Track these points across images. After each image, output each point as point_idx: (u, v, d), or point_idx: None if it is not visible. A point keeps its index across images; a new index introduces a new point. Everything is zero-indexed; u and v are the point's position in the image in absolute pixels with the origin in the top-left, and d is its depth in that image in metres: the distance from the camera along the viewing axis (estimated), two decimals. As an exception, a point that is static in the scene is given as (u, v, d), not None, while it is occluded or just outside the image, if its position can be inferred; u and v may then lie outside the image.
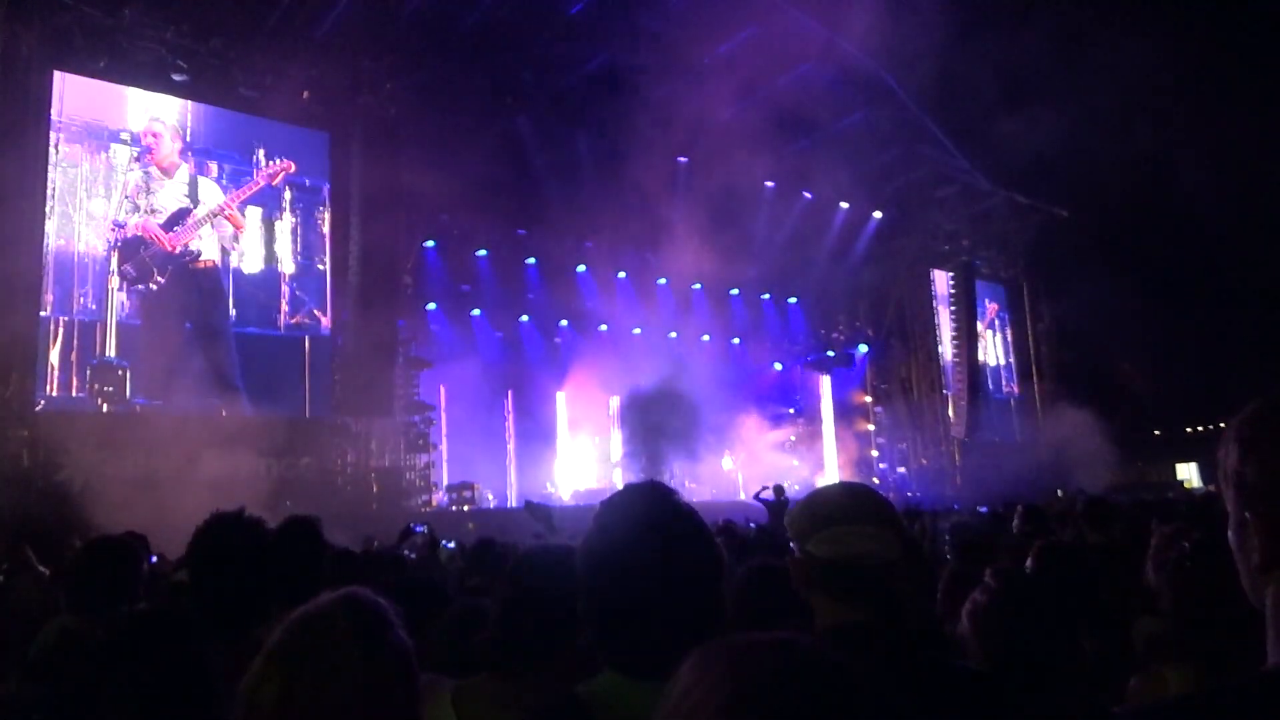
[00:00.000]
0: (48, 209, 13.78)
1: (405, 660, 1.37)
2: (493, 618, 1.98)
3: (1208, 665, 1.95)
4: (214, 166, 15.79)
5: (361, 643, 1.32)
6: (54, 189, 13.98)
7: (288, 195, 16.57)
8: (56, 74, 13.98)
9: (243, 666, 1.44)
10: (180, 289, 15.05)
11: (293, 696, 1.27)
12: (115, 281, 14.57)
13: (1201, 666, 1.97)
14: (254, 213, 16.14)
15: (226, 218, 15.71)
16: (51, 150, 14.02)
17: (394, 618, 1.41)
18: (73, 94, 14.43)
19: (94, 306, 14.20)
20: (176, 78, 14.75)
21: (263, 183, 16.23)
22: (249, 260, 16.02)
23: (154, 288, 14.86)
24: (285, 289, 16.38)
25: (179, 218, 15.26)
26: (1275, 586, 0.89)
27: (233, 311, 15.68)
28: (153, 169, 15.09)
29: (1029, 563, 3.03)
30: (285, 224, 16.52)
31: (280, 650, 1.32)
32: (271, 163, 16.37)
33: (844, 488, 1.76)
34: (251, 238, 16.04)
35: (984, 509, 11.54)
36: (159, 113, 15.25)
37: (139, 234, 14.87)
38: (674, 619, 1.28)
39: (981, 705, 1.58)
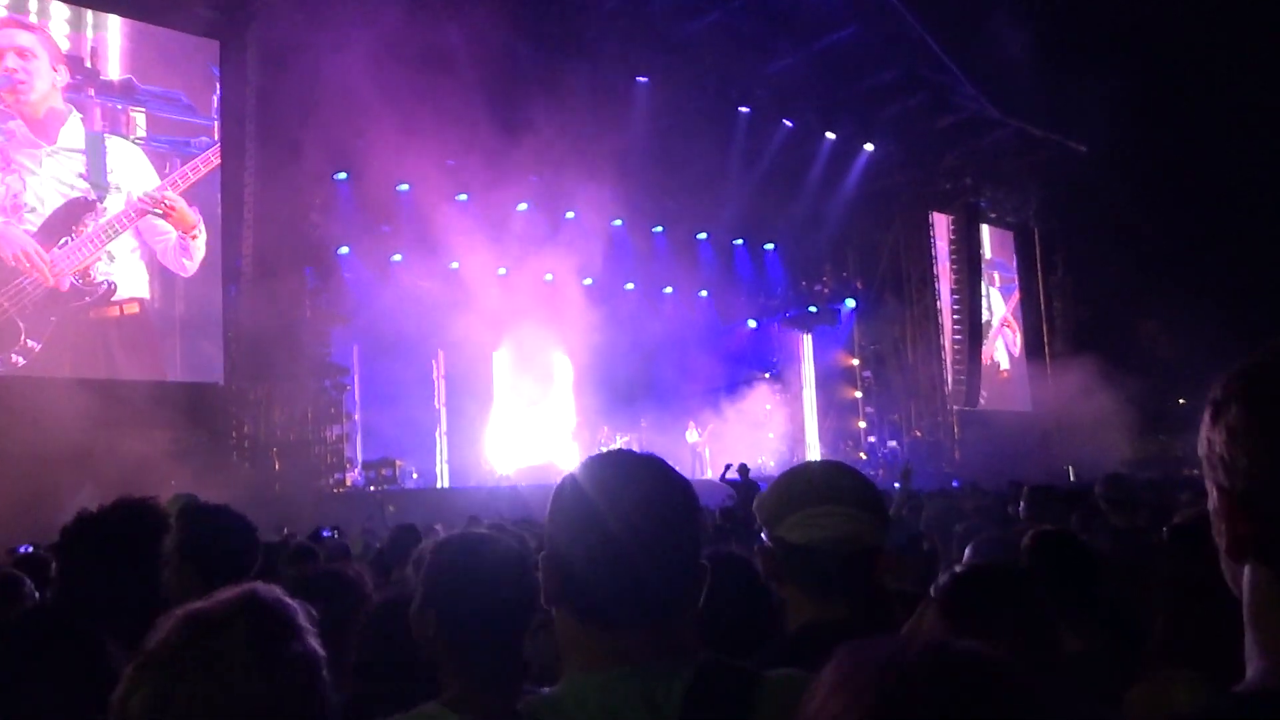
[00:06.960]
0: None
1: (310, 672, 1.36)
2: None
3: (1209, 672, 1.82)
4: (139, 119, 11.34)
5: (259, 652, 1.31)
6: None
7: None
8: None
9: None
10: (73, 359, 10.28)
11: (165, 710, 1.25)
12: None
13: (1204, 674, 1.85)
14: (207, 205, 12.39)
15: (164, 210, 10.95)
16: None
17: (303, 621, 1.40)
18: None
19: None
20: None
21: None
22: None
23: (21, 362, 9.95)
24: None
25: (69, 217, 10.47)
26: (1250, 578, 0.86)
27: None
28: (17, 123, 10.26)
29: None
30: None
31: (155, 657, 1.30)
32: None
33: (819, 465, 1.82)
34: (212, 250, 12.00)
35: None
36: (29, 17, 11.05)
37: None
38: (647, 570, 1.29)
39: None
